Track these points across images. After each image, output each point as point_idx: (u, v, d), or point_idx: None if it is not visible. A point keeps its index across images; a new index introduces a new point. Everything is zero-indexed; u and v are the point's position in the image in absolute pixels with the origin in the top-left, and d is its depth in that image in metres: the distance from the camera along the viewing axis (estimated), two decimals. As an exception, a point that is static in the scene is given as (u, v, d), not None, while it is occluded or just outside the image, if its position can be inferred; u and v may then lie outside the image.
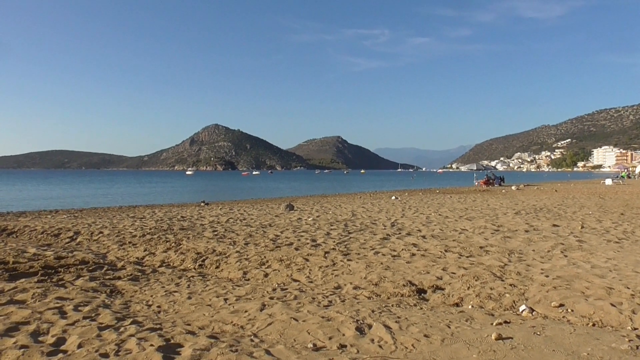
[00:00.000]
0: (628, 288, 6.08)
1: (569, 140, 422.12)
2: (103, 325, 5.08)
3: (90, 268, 8.12)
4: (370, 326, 4.99)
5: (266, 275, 7.83)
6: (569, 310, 5.53)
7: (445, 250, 9.22)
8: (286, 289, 6.83)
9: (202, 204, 25.71)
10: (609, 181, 50.22)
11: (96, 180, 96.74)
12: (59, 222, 15.06)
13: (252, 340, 4.66)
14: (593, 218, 14.80)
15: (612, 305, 5.50)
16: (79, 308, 5.72)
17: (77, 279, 7.28)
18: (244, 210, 19.49)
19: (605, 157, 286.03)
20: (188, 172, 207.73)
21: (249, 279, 7.68)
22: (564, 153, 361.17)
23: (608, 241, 10.05)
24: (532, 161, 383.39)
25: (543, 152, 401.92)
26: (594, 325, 5.11)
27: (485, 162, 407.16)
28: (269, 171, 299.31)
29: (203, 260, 8.95)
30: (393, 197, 28.46)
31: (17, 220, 16.22)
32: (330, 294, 6.51)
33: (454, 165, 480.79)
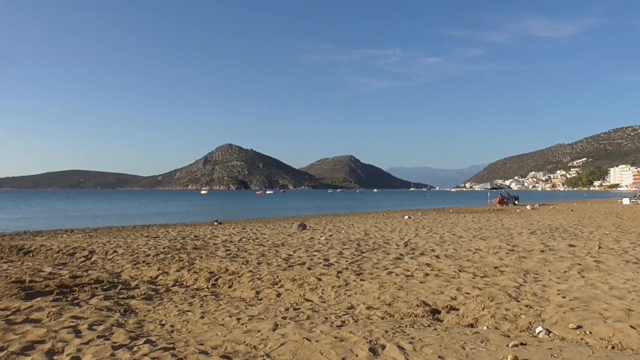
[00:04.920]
0: (648, 310, 5.94)
1: (585, 159, 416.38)
2: (117, 344, 5.11)
3: (105, 287, 8.20)
4: (383, 347, 4.94)
5: (279, 294, 7.81)
6: (587, 332, 5.41)
7: (460, 270, 9.11)
8: (299, 308, 6.81)
9: (215, 223, 25.83)
10: (626, 200, 49.29)
11: (111, 199, 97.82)
12: (74, 242, 15.25)
13: (264, 361, 4.64)
14: (610, 238, 14.53)
15: (632, 327, 5.37)
16: (94, 327, 5.76)
17: (91, 298, 7.34)
18: (257, 230, 19.53)
19: (622, 176, 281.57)
20: (203, 192, 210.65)
21: (261, 299, 7.67)
22: (580, 172, 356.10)
23: (627, 262, 9.85)
24: (547, 180, 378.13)
25: (558, 171, 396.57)
26: (613, 347, 4.99)
27: (499, 181, 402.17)
28: (281, 190, 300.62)
29: (216, 280, 8.97)
30: (406, 217, 28.30)
31: (34, 240, 16.47)
32: (343, 314, 6.47)
33: (467, 185, 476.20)
